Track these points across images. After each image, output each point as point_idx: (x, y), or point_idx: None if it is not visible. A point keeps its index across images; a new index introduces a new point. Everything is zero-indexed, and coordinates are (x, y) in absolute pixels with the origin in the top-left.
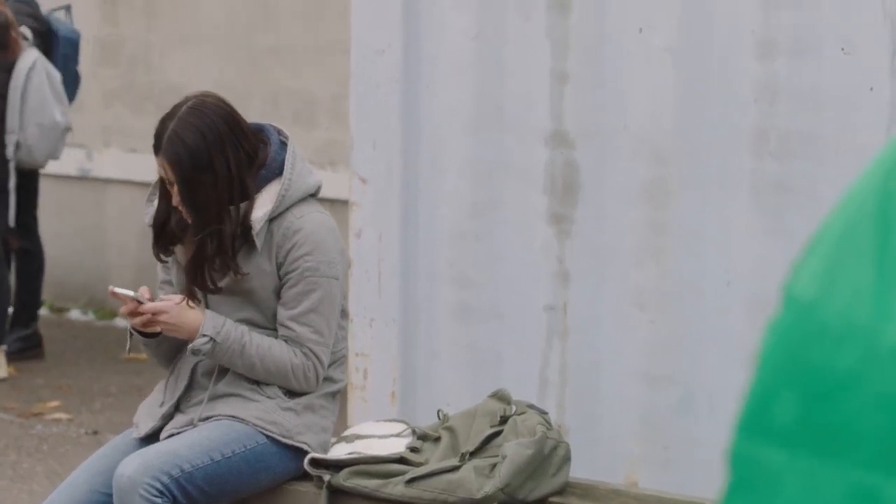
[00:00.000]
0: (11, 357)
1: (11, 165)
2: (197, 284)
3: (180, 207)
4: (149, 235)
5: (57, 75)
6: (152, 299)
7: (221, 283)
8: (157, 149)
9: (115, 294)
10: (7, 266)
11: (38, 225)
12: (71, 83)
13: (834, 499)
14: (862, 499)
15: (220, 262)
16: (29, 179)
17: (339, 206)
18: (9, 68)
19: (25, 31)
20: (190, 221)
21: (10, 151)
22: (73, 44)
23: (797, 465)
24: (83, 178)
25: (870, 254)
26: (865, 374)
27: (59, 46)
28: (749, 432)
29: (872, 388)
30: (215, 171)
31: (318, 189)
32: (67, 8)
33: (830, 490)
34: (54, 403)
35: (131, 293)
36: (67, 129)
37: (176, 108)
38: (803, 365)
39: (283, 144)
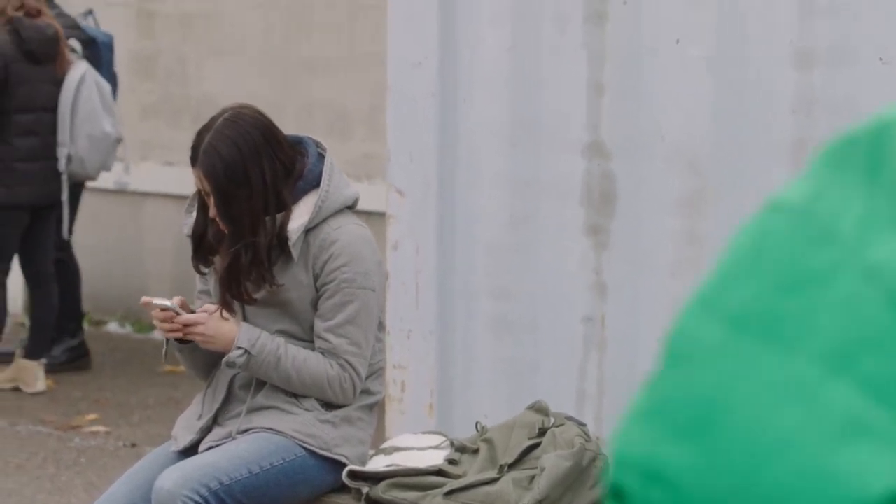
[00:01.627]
0: (60, 367)
1: (64, 178)
2: (233, 295)
3: (217, 218)
4: (186, 248)
5: (107, 87)
6: (186, 309)
7: (257, 295)
8: (194, 160)
9: (148, 304)
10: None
11: (71, 235)
12: (114, 86)
13: (770, 383)
14: (797, 388)
15: (255, 273)
16: (75, 191)
17: (374, 218)
18: (59, 82)
19: (75, 43)
20: (226, 232)
21: (62, 164)
22: (111, 47)
23: (740, 347)
24: (121, 192)
25: (860, 178)
26: (837, 279)
27: (102, 54)
28: (698, 312)
29: (840, 292)
30: (251, 183)
31: (356, 201)
32: (90, 12)
33: (768, 374)
34: (92, 416)
35: (167, 303)
36: (118, 140)
37: (213, 120)
38: (773, 257)
39: (321, 156)
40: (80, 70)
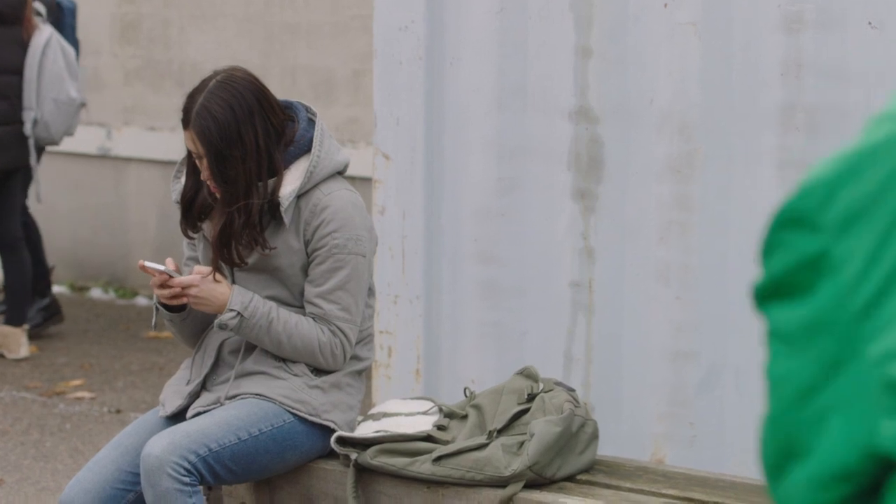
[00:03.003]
0: (36, 330)
1: (31, 142)
2: (224, 259)
3: (209, 181)
4: (169, 214)
5: (71, 51)
6: (179, 272)
7: (249, 259)
8: (186, 122)
9: (144, 267)
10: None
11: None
12: (77, 53)
13: None
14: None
15: (247, 236)
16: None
17: (358, 182)
18: (25, 45)
19: (39, 6)
20: (218, 196)
21: (27, 128)
22: (73, 13)
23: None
24: (103, 157)
25: None
26: None
27: (65, 18)
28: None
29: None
30: (244, 145)
31: (346, 166)
32: None
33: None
34: (77, 382)
35: (161, 267)
36: (82, 104)
37: (204, 82)
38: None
39: (312, 122)
40: (45, 34)
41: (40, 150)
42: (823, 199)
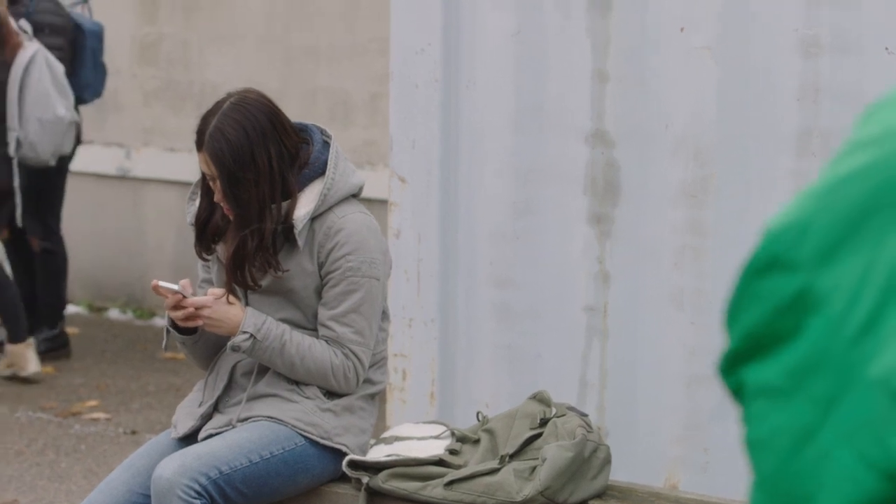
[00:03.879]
0: (39, 357)
1: (14, 163)
2: (237, 282)
3: (222, 203)
4: (187, 235)
5: (60, 68)
6: (193, 293)
7: (262, 282)
8: (200, 144)
9: (157, 288)
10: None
11: (60, 224)
12: (100, 76)
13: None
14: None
15: (260, 259)
16: (45, 177)
17: (375, 205)
18: (9, 65)
19: (25, 24)
20: (231, 218)
21: (11, 149)
22: (98, 36)
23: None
24: (122, 178)
25: None
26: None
27: (86, 41)
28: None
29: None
30: (258, 168)
31: (361, 189)
32: (85, 1)
33: None
34: (93, 403)
35: (175, 286)
36: (73, 122)
37: (218, 104)
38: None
39: (326, 144)
40: (29, 52)
41: (48, 172)
42: (796, 237)
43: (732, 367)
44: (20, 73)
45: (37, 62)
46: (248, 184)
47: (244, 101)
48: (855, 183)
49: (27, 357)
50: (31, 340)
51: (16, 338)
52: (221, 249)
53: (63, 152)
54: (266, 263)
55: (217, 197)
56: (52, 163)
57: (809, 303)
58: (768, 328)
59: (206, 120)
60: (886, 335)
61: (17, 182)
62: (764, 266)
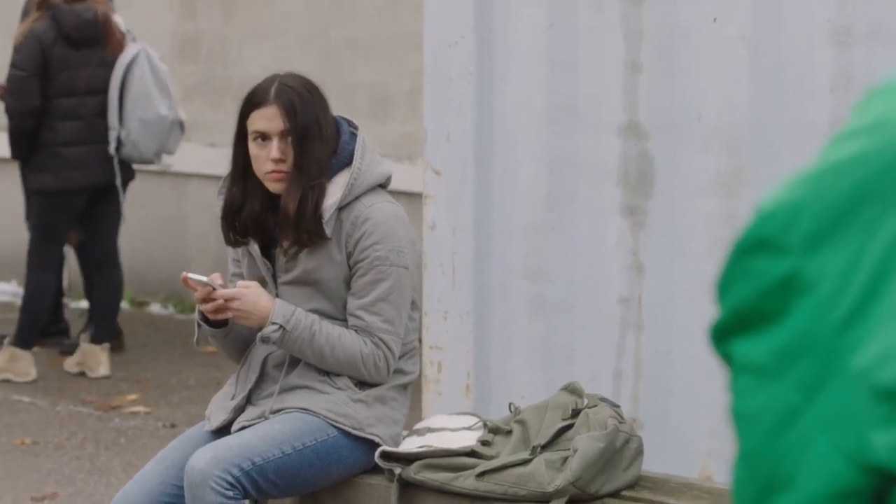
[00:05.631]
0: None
1: (114, 162)
2: (296, 239)
3: (279, 161)
4: None
5: (163, 68)
6: (225, 286)
7: (295, 272)
8: (262, 101)
9: (187, 280)
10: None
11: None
12: None
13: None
14: None
15: (314, 223)
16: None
17: (416, 199)
18: (109, 64)
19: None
20: (288, 178)
21: (111, 148)
22: None
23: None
24: (163, 173)
25: None
26: None
27: None
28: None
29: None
30: (320, 125)
31: (389, 179)
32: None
33: None
34: (133, 397)
35: (204, 278)
36: (177, 121)
37: (269, 77)
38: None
39: (353, 135)
40: (131, 52)
41: (130, 170)
42: (787, 220)
43: (722, 337)
44: (122, 71)
45: (139, 62)
46: (313, 139)
47: (297, 74)
48: (847, 171)
49: (100, 360)
50: (106, 345)
51: (98, 339)
52: (251, 246)
53: (168, 151)
54: (317, 227)
55: (273, 153)
56: (157, 161)
57: (797, 287)
58: (755, 306)
59: (263, 84)
60: (871, 326)
61: (118, 180)
62: (754, 245)
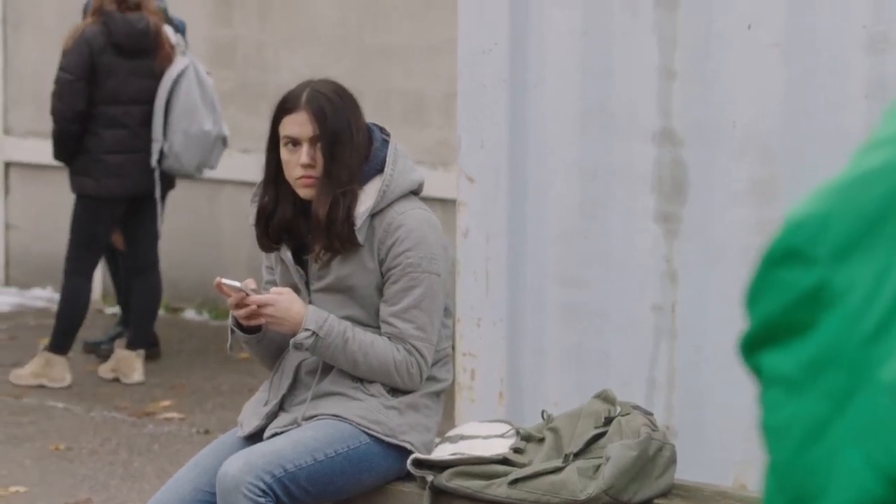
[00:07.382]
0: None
1: (156, 174)
2: (327, 245)
3: (309, 167)
4: None
5: (210, 83)
6: (258, 292)
7: (327, 279)
8: (293, 107)
9: (220, 286)
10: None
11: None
12: None
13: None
14: None
15: (346, 229)
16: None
17: (450, 205)
18: (158, 76)
19: (180, 39)
20: (318, 184)
21: (153, 160)
22: (184, 33)
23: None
24: (198, 179)
25: None
26: None
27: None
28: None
29: None
30: (352, 133)
31: (421, 186)
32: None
33: None
34: (166, 403)
35: (238, 284)
36: (220, 137)
37: (302, 84)
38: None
39: (386, 142)
40: (180, 65)
41: (171, 181)
42: (816, 231)
43: (751, 349)
44: (169, 84)
45: (187, 75)
46: (344, 144)
47: (329, 80)
48: (875, 181)
49: (134, 367)
50: (141, 351)
51: (133, 344)
52: (284, 252)
53: (210, 165)
54: (349, 234)
55: (303, 160)
56: (198, 175)
57: (825, 298)
58: (784, 318)
59: (295, 90)
60: None
61: (158, 192)
62: (783, 256)
